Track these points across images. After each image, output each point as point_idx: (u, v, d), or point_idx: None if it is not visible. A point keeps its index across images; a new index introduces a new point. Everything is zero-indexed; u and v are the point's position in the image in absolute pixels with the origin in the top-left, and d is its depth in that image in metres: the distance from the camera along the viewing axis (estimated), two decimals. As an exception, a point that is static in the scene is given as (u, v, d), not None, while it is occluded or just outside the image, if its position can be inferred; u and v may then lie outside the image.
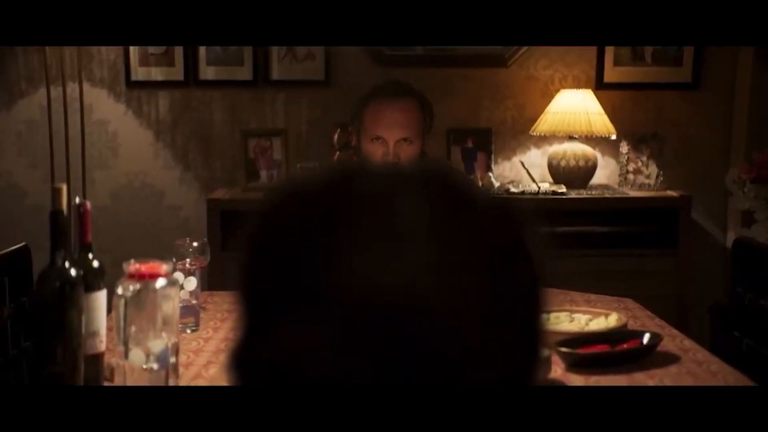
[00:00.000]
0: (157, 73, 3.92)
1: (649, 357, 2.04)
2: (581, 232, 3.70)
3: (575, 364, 1.98)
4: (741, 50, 3.96)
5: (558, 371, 1.95)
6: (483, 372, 0.61)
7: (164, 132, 3.97)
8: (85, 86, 3.78)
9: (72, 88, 3.74)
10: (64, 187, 1.76)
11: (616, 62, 3.96)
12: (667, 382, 1.89)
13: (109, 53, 3.90)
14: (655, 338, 2.09)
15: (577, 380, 1.87)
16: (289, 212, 0.63)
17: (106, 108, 3.93)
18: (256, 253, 0.64)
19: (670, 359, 2.05)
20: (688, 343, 2.19)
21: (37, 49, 3.75)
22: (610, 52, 3.95)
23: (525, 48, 3.94)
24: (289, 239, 0.61)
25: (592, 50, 3.96)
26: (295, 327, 0.59)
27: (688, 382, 1.90)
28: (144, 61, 3.91)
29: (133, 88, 3.93)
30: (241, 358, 0.63)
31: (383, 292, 0.58)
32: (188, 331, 2.22)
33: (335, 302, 0.58)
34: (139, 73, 3.92)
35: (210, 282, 2.73)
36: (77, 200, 1.84)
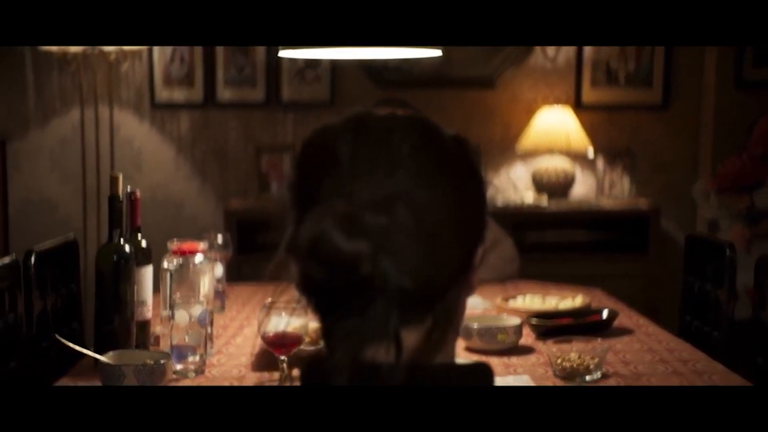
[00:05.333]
0: (179, 94, 4.28)
1: (607, 330, 2.37)
2: (560, 240, 4.10)
3: (544, 334, 2.32)
4: (706, 72, 4.34)
5: (529, 340, 2.30)
6: (444, 254, 0.93)
7: (184, 148, 4.33)
8: (114, 107, 4.16)
9: (101, 108, 4.11)
10: (120, 176, 2.08)
11: (593, 84, 4.36)
12: (619, 347, 2.22)
13: (136, 76, 4.28)
14: (612, 313, 2.43)
15: (543, 346, 2.20)
16: (319, 141, 0.97)
17: (132, 127, 4.30)
18: (298, 168, 0.97)
19: (625, 332, 2.38)
20: (642, 321, 2.52)
21: (71, 72, 4.11)
22: (587, 74, 4.34)
23: (510, 70, 4.33)
24: (318, 158, 0.95)
25: (571, 73, 4.36)
26: (320, 216, 0.90)
27: (636, 347, 2.24)
28: (167, 83, 4.28)
29: (157, 109, 4.30)
30: (289, 242, 0.93)
31: (380, 195, 0.90)
32: (215, 312, 2.56)
33: (345, 200, 0.90)
34: (162, 95, 4.29)
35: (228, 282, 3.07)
36: (129, 189, 2.14)
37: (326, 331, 0.95)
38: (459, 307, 1.00)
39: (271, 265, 0.99)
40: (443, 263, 0.94)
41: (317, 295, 0.94)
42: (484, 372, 0.97)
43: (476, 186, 0.99)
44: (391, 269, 0.89)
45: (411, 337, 0.93)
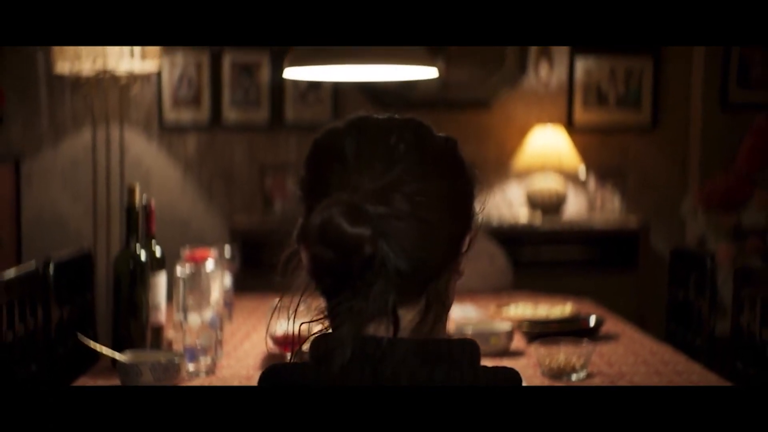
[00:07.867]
0: (186, 116, 4.44)
1: (594, 335, 2.48)
2: (553, 256, 4.25)
3: (534, 339, 2.46)
4: (692, 94, 4.50)
5: (520, 344, 2.43)
6: (436, 239, 1.05)
7: (191, 168, 4.48)
8: (124, 128, 4.29)
9: (111, 129, 4.23)
10: (137, 186, 2.22)
11: (585, 105, 4.52)
12: (604, 351, 2.35)
13: (145, 98, 4.42)
14: (599, 320, 2.56)
15: (533, 348, 2.31)
16: (326, 141, 1.10)
17: (141, 147, 4.45)
18: (307, 165, 1.10)
19: (611, 337, 2.51)
20: (628, 328, 2.65)
21: (83, 94, 4.23)
22: (578, 96, 4.51)
23: (505, 92, 4.49)
24: (325, 155, 1.09)
25: (564, 95, 4.52)
26: (328, 206, 1.01)
27: (620, 351, 2.36)
28: (175, 105, 4.43)
29: (165, 130, 4.46)
30: (300, 230, 1.06)
31: (380, 187, 1.03)
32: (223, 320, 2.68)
33: (349, 191, 1.03)
34: (170, 116, 4.44)
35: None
36: (144, 199, 2.27)
37: (332, 310, 1.08)
38: (449, 290, 1.12)
39: (284, 254, 1.11)
40: (435, 248, 1.06)
41: (325, 277, 1.06)
42: (471, 345, 1.10)
43: (464, 180, 1.12)
44: (389, 252, 1.02)
45: (407, 316, 1.06)
